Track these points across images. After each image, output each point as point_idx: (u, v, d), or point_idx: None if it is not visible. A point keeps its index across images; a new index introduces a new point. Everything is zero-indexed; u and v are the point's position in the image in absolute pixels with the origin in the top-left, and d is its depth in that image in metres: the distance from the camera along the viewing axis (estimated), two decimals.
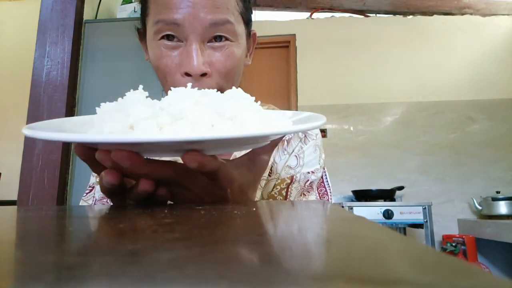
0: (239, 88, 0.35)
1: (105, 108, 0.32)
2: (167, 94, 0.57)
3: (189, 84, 0.35)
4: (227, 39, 0.53)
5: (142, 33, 0.61)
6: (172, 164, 0.31)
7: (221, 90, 0.53)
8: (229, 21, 0.52)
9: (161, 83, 0.57)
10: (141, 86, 0.34)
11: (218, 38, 0.52)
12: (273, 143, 0.37)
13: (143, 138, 0.26)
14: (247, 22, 0.59)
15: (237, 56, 0.54)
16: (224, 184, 0.33)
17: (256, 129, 0.30)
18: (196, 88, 0.34)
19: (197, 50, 0.51)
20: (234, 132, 0.27)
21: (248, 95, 0.34)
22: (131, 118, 0.29)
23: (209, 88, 0.51)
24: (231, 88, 0.55)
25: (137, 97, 0.32)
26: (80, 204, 0.61)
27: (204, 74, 0.51)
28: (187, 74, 0.51)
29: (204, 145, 0.29)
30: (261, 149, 0.36)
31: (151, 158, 0.31)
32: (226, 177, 0.32)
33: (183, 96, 0.32)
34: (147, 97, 0.33)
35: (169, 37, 0.52)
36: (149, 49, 0.56)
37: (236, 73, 0.55)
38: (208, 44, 0.52)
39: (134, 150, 0.28)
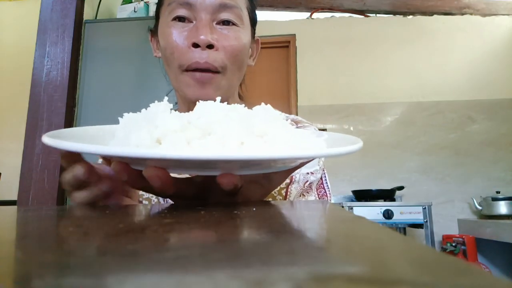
0: (268, 105, 0.34)
1: (129, 118, 0.31)
2: (171, 81, 0.58)
3: (218, 98, 0.33)
4: (234, 24, 0.57)
5: (153, 31, 0.65)
6: (194, 182, 0.31)
7: (225, 69, 0.56)
8: (237, 6, 0.56)
9: (166, 68, 0.60)
10: (166, 98, 0.33)
11: (226, 23, 0.56)
12: (296, 167, 0.35)
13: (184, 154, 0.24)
14: (253, 20, 0.63)
15: (243, 41, 0.58)
16: (237, 197, 0.33)
17: (295, 150, 0.29)
18: (226, 103, 0.32)
19: (206, 24, 0.55)
20: (285, 153, 0.26)
21: (277, 112, 0.33)
22: (159, 130, 0.28)
23: (213, 63, 0.54)
24: (234, 72, 0.57)
25: (162, 109, 0.31)
26: None
27: (211, 47, 0.54)
28: (195, 46, 0.54)
29: (237, 164, 0.28)
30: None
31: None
32: (241, 191, 0.32)
33: (211, 109, 0.30)
34: (171, 109, 0.32)
35: (180, 19, 0.56)
36: (161, 34, 0.59)
37: (240, 57, 0.58)
38: (217, 25, 0.56)
39: (162, 165, 0.27)
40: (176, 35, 0.55)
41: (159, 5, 0.62)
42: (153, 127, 0.29)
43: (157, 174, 0.27)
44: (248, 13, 0.60)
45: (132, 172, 0.28)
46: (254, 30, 0.64)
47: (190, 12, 0.56)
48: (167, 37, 0.56)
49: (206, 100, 0.33)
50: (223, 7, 0.56)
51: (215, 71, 0.55)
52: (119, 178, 0.29)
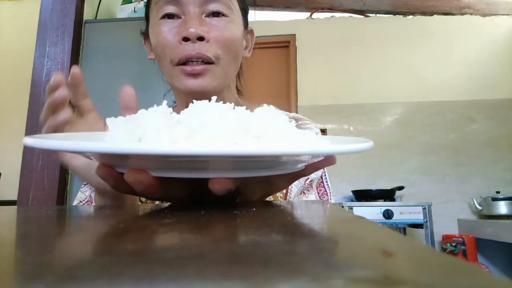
0: (271, 106, 0.32)
1: (112, 121, 0.29)
2: (166, 78, 0.58)
3: (214, 98, 0.30)
4: (223, 14, 0.56)
5: (146, 34, 0.63)
6: (185, 186, 0.29)
7: (218, 58, 0.55)
8: None
9: (161, 67, 0.59)
10: (165, 102, 0.31)
11: (215, 14, 0.56)
12: (302, 172, 0.32)
13: (152, 149, 0.22)
14: (244, 9, 0.61)
15: (234, 30, 0.57)
16: (235, 197, 0.32)
17: (290, 146, 0.25)
18: (221, 102, 0.30)
19: (194, 17, 0.54)
20: (278, 149, 0.23)
21: (280, 112, 0.30)
22: (141, 129, 0.26)
23: (206, 53, 0.53)
24: (228, 61, 0.56)
25: (155, 109, 0.29)
26: (78, 195, 0.62)
27: (201, 39, 0.53)
28: (185, 40, 0.53)
29: (227, 164, 0.25)
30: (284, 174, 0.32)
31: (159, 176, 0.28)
32: (240, 191, 0.31)
33: (205, 109, 0.28)
34: (171, 113, 0.30)
35: (169, 16, 0.56)
36: (152, 34, 0.59)
37: (234, 47, 0.57)
38: (206, 18, 0.56)
39: (142, 166, 0.25)
40: (166, 32, 0.55)
41: (147, 6, 0.61)
42: (135, 126, 0.26)
43: (138, 178, 0.25)
44: (238, 2, 0.59)
45: (118, 176, 0.27)
46: (247, 19, 0.63)
47: (178, 8, 0.55)
48: (157, 35, 0.56)
49: (201, 91, 0.31)
50: None
51: (209, 62, 0.54)
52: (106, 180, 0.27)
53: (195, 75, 0.54)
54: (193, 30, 0.52)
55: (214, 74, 0.55)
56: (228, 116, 0.27)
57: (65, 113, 0.37)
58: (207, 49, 0.53)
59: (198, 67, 0.54)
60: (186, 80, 0.54)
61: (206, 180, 0.26)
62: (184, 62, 0.54)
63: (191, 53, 0.53)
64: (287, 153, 0.24)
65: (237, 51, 0.58)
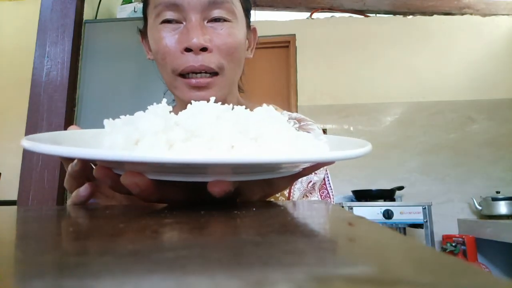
0: (270, 106, 0.31)
1: (108, 123, 0.29)
2: (167, 85, 0.57)
3: (212, 99, 0.30)
4: (226, 20, 0.53)
5: (143, 33, 0.62)
6: (182, 188, 0.29)
7: (222, 68, 0.53)
8: (228, 1, 0.53)
9: (161, 72, 0.57)
10: (164, 100, 0.30)
11: (218, 20, 0.53)
12: (302, 173, 0.32)
13: (151, 157, 0.21)
14: (247, 9, 0.59)
15: (238, 37, 0.54)
16: (234, 198, 0.32)
17: (289, 154, 0.25)
18: (220, 103, 0.29)
19: (197, 25, 0.51)
20: (273, 157, 0.22)
21: (279, 114, 0.30)
22: (138, 132, 0.26)
23: (209, 65, 0.51)
24: (233, 70, 0.55)
25: (153, 109, 0.29)
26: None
27: (204, 49, 0.51)
28: (187, 50, 0.51)
29: (224, 170, 0.25)
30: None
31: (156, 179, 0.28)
32: (236, 192, 0.31)
33: (203, 110, 0.28)
34: (170, 112, 0.29)
35: (169, 21, 0.53)
36: (150, 37, 0.57)
37: (237, 54, 0.55)
38: (208, 24, 0.53)
39: (138, 170, 0.25)
40: (167, 39, 0.52)
41: (145, 5, 0.58)
42: (132, 129, 0.26)
43: (134, 181, 0.25)
44: (241, 3, 0.57)
45: (115, 177, 0.27)
46: (249, 19, 0.61)
47: (178, 13, 0.52)
48: (158, 42, 0.53)
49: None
50: (213, 3, 0.52)
51: (213, 73, 0.53)
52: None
53: (199, 87, 0.52)
54: (195, 40, 0.50)
55: (220, 85, 0.54)
56: (226, 118, 0.27)
57: (85, 190, 0.33)
58: (210, 60, 0.52)
59: (203, 80, 0.52)
60: (190, 93, 0.53)
61: (203, 183, 0.26)
62: (187, 72, 0.52)
63: (194, 65, 0.51)
64: (283, 161, 0.24)
65: (241, 57, 0.56)
